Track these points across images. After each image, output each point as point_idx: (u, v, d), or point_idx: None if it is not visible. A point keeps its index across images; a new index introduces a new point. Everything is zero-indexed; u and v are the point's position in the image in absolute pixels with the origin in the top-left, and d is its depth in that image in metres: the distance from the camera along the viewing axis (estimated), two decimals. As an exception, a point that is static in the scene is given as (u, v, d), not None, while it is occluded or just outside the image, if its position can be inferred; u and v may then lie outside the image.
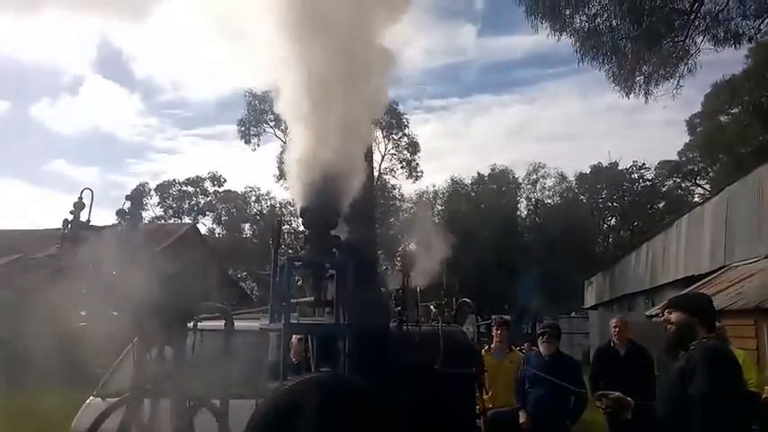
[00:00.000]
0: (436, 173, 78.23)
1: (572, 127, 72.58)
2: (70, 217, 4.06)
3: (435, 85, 73.89)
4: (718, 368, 3.19)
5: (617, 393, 3.67)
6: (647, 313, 17.03)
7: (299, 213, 4.30)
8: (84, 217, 4.08)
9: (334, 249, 4.17)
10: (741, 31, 13.93)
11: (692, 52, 14.19)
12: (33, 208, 66.08)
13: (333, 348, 4.24)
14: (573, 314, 32.27)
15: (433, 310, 5.67)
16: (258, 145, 41.29)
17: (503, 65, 72.24)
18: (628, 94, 14.89)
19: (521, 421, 6.02)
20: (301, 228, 4.48)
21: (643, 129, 70.97)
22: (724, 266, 14.97)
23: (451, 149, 71.11)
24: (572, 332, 24.77)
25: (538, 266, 31.96)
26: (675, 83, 14.61)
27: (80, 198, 4.08)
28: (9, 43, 57.96)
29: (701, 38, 14.12)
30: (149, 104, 73.46)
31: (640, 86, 14.69)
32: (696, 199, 35.41)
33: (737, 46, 14.44)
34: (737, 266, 14.01)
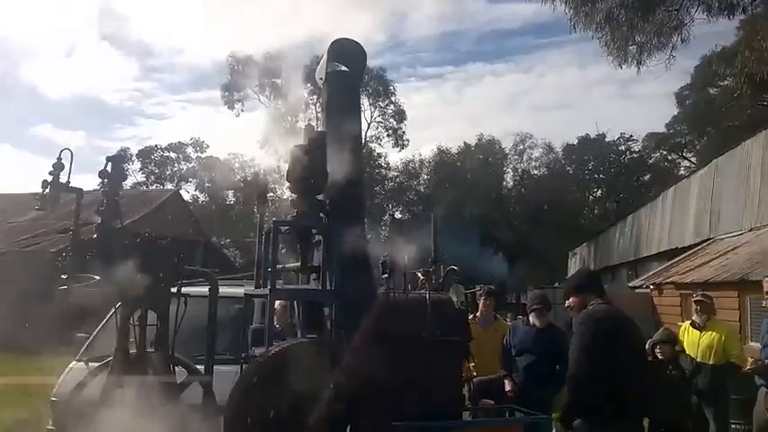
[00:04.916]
0: (428, 142, 77.99)
1: (566, 97, 72.28)
2: (50, 178, 3.95)
3: (431, 53, 73.29)
4: (579, 329, 3.91)
5: None
6: (630, 284, 17.20)
7: (285, 178, 4.21)
8: (63, 178, 3.97)
9: (322, 215, 4.10)
10: (735, 2, 13.82)
11: (686, 22, 14.07)
12: (16, 172, 64.97)
13: (319, 315, 4.20)
14: (557, 284, 32.57)
15: (421, 277, 5.64)
16: (242, 110, 40.76)
17: (501, 33, 71.38)
18: (621, 64, 14.78)
19: (507, 389, 6.04)
20: (286, 195, 4.40)
21: (638, 100, 70.56)
22: (709, 239, 15.08)
23: (444, 118, 70.68)
24: (555, 302, 25.00)
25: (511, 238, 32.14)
26: (668, 53, 14.51)
27: (59, 159, 3.97)
28: (7, 6, 55.80)
29: (695, 8, 14.00)
30: (142, 68, 72.21)
31: (633, 56, 14.58)
32: (682, 172, 35.60)
33: (731, 17, 14.34)
34: (722, 239, 14.12)
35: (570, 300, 4.22)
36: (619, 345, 3.77)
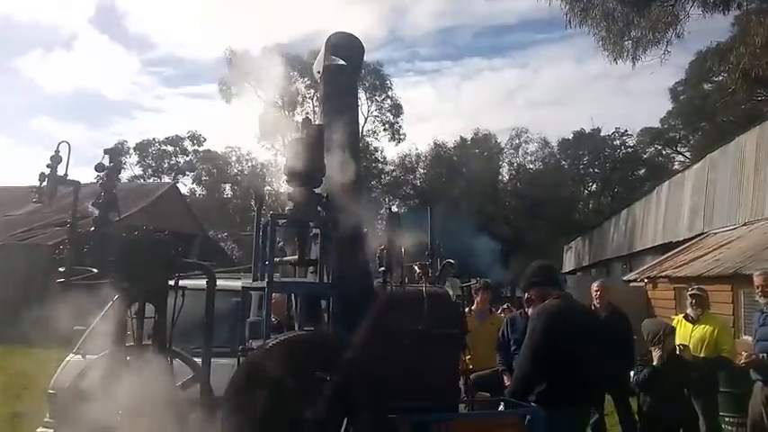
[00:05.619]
0: (425, 136, 78.06)
1: (563, 92, 72.36)
2: (47, 171, 3.96)
3: (429, 48, 73.35)
4: (532, 322, 4.28)
5: None
6: (624, 278, 17.26)
7: (283, 171, 4.22)
8: (61, 171, 3.98)
9: (319, 208, 4.11)
10: (730, -3, 13.89)
11: (681, 18, 14.12)
12: (13, 164, 64.60)
13: (316, 308, 4.22)
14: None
15: (417, 270, 5.66)
16: (240, 104, 40.71)
17: (499, 28, 71.49)
18: (616, 60, 14.83)
19: (506, 384, 6.04)
20: (283, 189, 4.40)
21: (634, 95, 70.83)
22: (702, 233, 15.15)
23: (441, 113, 70.72)
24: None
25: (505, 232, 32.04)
26: (663, 49, 14.58)
27: (57, 151, 3.97)
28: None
29: (690, 3, 14.06)
30: (142, 62, 71.83)
31: (628, 52, 14.63)
32: (676, 166, 35.71)
33: (726, 12, 14.41)
34: (716, 233, 14.19)
35: (531, 292, 4.54)
36: (566, 338, 4.06)
